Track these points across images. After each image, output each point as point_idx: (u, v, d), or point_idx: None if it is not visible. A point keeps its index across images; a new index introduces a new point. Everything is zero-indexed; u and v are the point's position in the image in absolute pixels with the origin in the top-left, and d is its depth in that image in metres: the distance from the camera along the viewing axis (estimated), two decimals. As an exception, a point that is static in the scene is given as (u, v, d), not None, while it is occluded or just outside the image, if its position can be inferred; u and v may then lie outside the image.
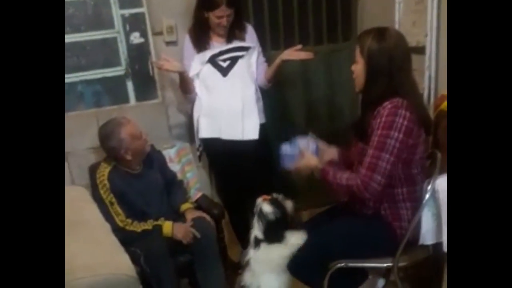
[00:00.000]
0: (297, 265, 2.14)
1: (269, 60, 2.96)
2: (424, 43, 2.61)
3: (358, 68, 2.03)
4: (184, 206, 2.69)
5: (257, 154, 2.78)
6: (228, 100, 2.75)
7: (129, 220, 2.45)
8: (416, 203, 2.01)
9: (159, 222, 2.47)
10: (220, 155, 2.84)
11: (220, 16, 2.67)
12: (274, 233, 2.19)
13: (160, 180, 2.68)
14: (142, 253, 2.32)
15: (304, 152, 2.17)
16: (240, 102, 2.75)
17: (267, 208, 2.20)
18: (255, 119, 2.79)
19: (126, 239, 2.19)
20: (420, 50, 2.64)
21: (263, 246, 2.21)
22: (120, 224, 2.41)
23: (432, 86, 2.64)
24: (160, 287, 2.33)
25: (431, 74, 2.63)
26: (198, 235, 2.49)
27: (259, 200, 2.25)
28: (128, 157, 2.49)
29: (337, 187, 2.02)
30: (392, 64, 1.94)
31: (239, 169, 2.78)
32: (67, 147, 2.82)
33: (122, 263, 1.80)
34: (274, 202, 2.23)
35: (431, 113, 2.45)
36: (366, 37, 2.00)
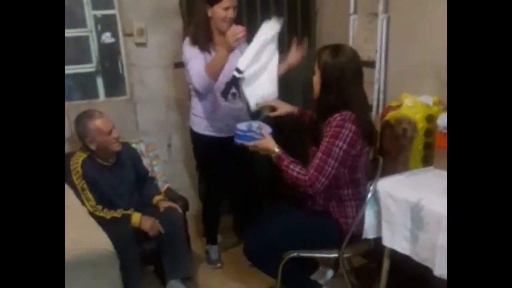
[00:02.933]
0: (254, 253, 2.34)
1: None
2: (374, 58, 2.85)
3: (316, 79, 2.24)
4: (157, 198, 2.85)
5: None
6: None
7: (99, 207, 2.58)
8: (360, 202, 2.25)
9: (128, 212, 2.62)
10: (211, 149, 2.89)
11: (227, 7, 2.59)
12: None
13: (132, 175, 2.82)
14: (110, 239, 2.41)
15: (266, 135, 2.29)
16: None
17: None
18: None
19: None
20: (371, 64, 2.88)
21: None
22: (91, 209, 2.53)
23: (381, 97, 2.88)
24: (125, 272, 2.36)
25: (380, 87, 2.87)
26: (162, 230, 2.66)
27: None
28: (92, 147, 2.62)
29: (286, 175, 2.18)
30: (343, 78, 2.14)
31: (226, 163, 2.91)
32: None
33: (102, 240, 1.96)
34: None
35: (378, 122, 2.70)
36: (323, 52, 2.20)
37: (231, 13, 2.60)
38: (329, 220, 2.28)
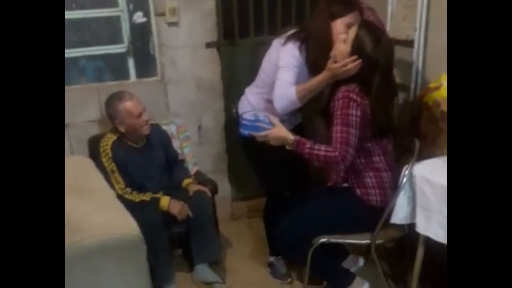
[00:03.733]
0: (282, 240, 2.32)
1: (267, 44, 3.08)
2: (413, 37, 2.72)
3: (343, 49, 2.18)
4: (187, 181, 2.83)
5: None
6: None
7: (128, 189, 2.57)
8: (377, 172, 2.22)
9: (157, 195, 2.60)
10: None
11: (350, 23, 2.24)
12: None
13: (162, 158, 2.80)
14: (138, 222, 2.43)
15: (276, 123, 2.21)
16: None
17: None
18: None
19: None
20: (409, 44, 2.75)
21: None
22: (119, 192, 2.52)
23: (419, 78, 2.75)
24: (153, 256, 2.37)
25: (418, 67, 2.74)
26: (191, 214, 2.63)
27: None
28: (122, 129, 2.61)
29: (312, 157, 2.13)
30: (374, 70, 2.14)
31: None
32: (68, 119, 2.94)
33: (130, 224, 1.93)
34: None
35: (416, 104, 2.59)
36: (364, 33, 2.14)
37: (351, 33, 2.17)
38: (351, 197, 2.25)
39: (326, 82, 2.25)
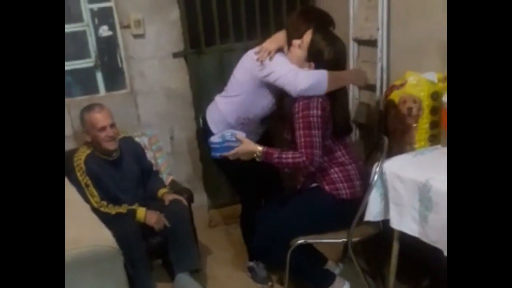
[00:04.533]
0: (260, 247, 2.34)
1: (233, 51, 3.15)
2: (376, 37, 2.78)
3: (296, 52, 2.29)
4: (162, 191, 2.83)
5: None
6: None
7: (104, 203, 2.56)
8: (342, 167, 2.28)
9: (133, 207, 2.60)
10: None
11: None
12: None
13: (136, 170, 2.80)
14: (115, 234, 2.42)
15: (243, 139, 2.28)
16: None
17: None
18: None
19: (100, 220, 2.27)
20: (373, 43, 2.82)
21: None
22: (95, 205, 2.51)
23: (384, 76, 2.81)
24: (133, 267, 2.40)
25: (383, 66, 2.80)
26: (168, 224, 2.64)
27: None
28: (88, 139, 2.63)
29: (281, 165, 2.23)
30: (332, 64, 2.23)
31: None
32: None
33: (105, 236, 1.93)
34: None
35: (382, 102, 2.65)
36: (316, 32, 2.25)
37: (306, 38, 2.28)
38: (321, 194, 2.28)
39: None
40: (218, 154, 2.32)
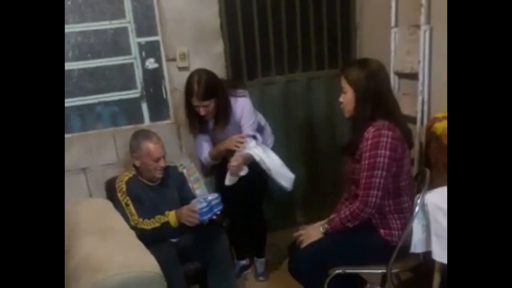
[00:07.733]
0: (298, 269, 2.31)
1: (274, 83, 3.19)
2: (417, 70, 2.80)
3: (347, 97, 2.22)
4: None
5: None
6: None
7: (140, 219, 2.60)
8: (402, 214, 2.21)
9: (165, 219, 2.62)
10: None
11: (196, 105, 2.74)
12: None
13: (175, 196, 2.83)
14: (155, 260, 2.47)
15: (308, 228, 2.39)
16: None
17: None
18: None
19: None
20: (414, 76, 2.83)
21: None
22: (132, 223, 2.56)
23: (425, 109, 2.81)
24: None
25: (424, 98, 2.80)
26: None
27: None
28: (137, 163, 2.70)
29: (346, 223, 2.21)
30: (379, 86, 2.16)
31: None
32: (86, 163, 3.05)
33: (150, 263, 1.99)
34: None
35: (423, 135, 2.64)
36: (351, 68, 2.22)
37: (201, 111, 2.77)
38: (373, 234, 2.23)
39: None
40: (206, 218, 2.53)
